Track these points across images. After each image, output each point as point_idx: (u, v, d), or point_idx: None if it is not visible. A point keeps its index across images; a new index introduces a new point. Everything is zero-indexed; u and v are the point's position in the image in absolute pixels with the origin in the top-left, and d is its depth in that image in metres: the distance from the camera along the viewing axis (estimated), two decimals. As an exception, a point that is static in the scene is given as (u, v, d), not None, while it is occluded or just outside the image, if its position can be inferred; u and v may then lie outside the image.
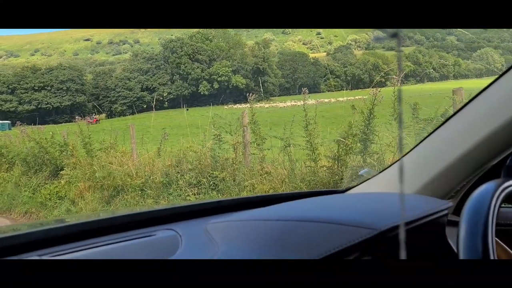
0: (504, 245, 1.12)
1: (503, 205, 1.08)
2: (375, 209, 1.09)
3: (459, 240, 0.76)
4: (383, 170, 1.56)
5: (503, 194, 0.84)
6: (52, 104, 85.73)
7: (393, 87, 6.70)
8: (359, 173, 1.67)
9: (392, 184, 1.44)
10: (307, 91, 6.87)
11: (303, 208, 1.17)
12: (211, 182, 7.25)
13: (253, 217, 1.13)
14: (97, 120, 45.69)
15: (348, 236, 0.90)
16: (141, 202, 7.41)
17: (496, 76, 1.27)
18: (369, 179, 1.59)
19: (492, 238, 0.75)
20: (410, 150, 1.51)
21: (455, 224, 0.88)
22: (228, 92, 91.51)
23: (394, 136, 6.62)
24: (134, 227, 1.26)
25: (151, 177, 7.68)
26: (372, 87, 6.70)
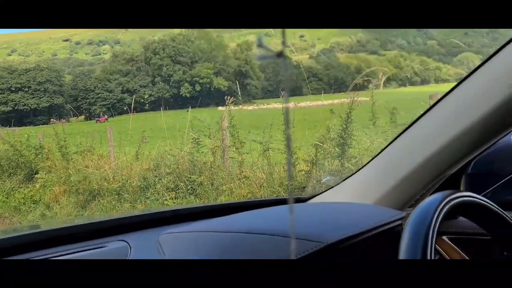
0: (462, 253, 1.12)
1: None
2: (329, 220, 1.08)
3: (400, 251, 0.75)
4: (346, 178, 1.54)
5: (447, 206, 0.84)
6: (30, 105, 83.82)
7: (371, 91, 6.76)
8: (322, 181, 1.66)
9: (355, 193, 1.42)
10: (286, 94, 6.86)
11: (257, 219, 1.15)
12: (189, 187, 7.18)
13: (205, 228, 1.11)
14: (105, 119, 44.80)
15: (294, 249, 0.89)
16: (118, 207, 7.29)
17: (457, 82, 1.26)
18: (332, 187, 1.57)
19: (431, 250, 0.74)
20: (374, 157, 1.49)
21: None
22: (210, 95, 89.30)
23: (372, 140, 6.68)
24: (88, 237, 1.23)
25: (128, 181, 7.56)
26: (350, 91, 6.75)
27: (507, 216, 0.99)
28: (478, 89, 1.11)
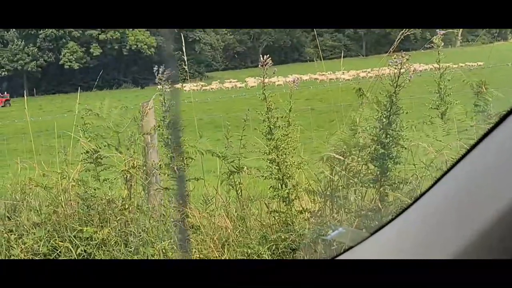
0: None
1: None
2: None
3: None
4: (385, 225, 0.94)
5: None
6: None
7: (438, 52, 3.56)
8: (328, 237, 1.17)
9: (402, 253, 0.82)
10: (269, 61, 3.46)
11: None
12: (79, 250, 3.57)
13: None
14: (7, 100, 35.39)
15: None
16: None
17: None
18: (352, 247, 1.05)
19: None
20: (441, 179, 0.86)
21: None
22: (121, 65, 46.96)
23: (439, 147, 3.49)
24: None
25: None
26: (394, 52, 3.51)
27: None
28: None
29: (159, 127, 3.75)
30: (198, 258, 3.40)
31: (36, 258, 3.59)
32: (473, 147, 0.84)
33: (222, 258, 3.45)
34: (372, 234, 1.03)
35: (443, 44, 3.52)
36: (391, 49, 3.64)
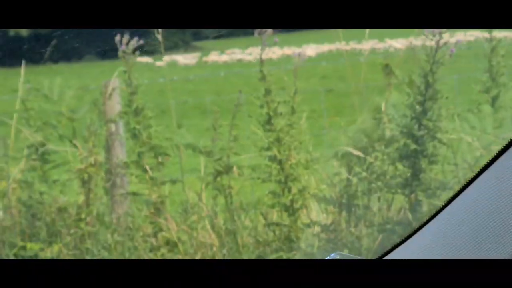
0: None
1: None
2: None
3: None
4: (410, 236, 0.85)
5: None
6: None
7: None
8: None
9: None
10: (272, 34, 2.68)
11: None
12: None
13: None
14: None
15: None
16: None
17: None
18: None
19: None
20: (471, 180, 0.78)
21: None
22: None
23: (487, 143, 2.73)
24: None
25: None
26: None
27: None
28: None
29: (125, 113, 2.92)
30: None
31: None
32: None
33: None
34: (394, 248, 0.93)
35: None
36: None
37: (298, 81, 2.91)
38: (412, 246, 0.93)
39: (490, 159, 0.82)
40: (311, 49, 9.67)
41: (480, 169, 0.82)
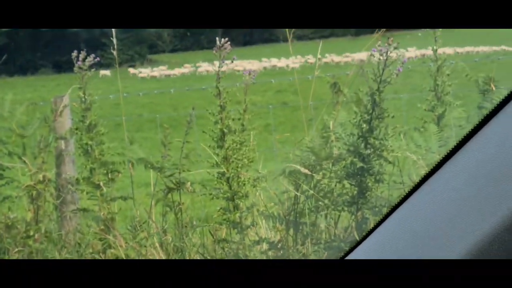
0: None
1: None
2: None
3: None
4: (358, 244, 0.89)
5: None
6: None
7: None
8: None
9: None
10: (227, 45, 2.69)
11: None
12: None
13: None
14: None
15: None
16: None
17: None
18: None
19: None
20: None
21: None
22: (39, 43, 26.87)
23: (432, 162, 2.75)
24: None
25: None
26: (386, 32, 2.80)
27: None
28: None
29: (76, 129, 2.90)
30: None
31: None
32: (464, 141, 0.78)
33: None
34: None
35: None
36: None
37: (254, 95, 2.93)
38: (371, 245, 0.94)
39: (442, 158, 0.83)
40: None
41: (433, 167, 0.84)
